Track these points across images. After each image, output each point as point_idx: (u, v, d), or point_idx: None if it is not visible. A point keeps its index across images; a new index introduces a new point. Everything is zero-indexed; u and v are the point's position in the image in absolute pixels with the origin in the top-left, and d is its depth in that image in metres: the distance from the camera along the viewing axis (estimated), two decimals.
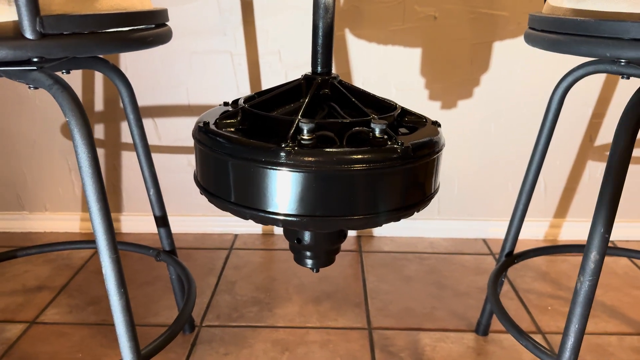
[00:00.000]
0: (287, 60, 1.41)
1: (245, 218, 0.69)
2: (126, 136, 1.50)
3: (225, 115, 0.74)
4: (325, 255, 0.83)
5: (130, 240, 1.43)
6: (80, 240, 1.16)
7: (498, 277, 0.96)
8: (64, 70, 0.82)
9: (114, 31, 0.64)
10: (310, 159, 0.63)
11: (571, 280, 1.36)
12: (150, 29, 0.72)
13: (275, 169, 0.64)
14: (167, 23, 0.79)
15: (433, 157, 0.71)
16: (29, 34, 0.56)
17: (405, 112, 0.80)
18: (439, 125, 0.79)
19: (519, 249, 1.09)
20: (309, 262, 0.83)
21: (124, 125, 1.49)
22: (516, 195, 1.51)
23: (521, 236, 1.54)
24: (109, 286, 0.70)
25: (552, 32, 0.70)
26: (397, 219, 0.70)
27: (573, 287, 1.15)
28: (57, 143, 1.50)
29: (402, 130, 0.79)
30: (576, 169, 1.53)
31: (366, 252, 1.48)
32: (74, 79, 1.42)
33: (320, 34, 0.75)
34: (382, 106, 0.80)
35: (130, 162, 1.52)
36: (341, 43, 1.40)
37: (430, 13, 1.37)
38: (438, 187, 0.78)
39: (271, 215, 0.66)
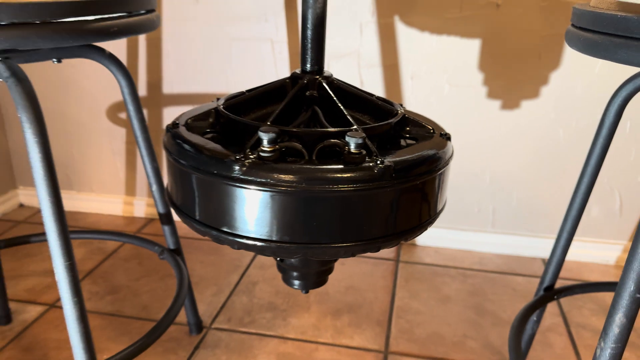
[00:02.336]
0: (330, 49, 1.31)
1: (202, 234, 0.61)
2: (168, 122, 1.48)
3: (198, 115, 0.67)
4: (314, 276, 0.74)
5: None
6: (103, 231, 1.15)
7: (528, 317, 0.81)
8: (54, 60, 0.78)
9: (67, 21, 0.58)
10: (264, 174, 0.54)
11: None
12: (122, 17, 0.65)
13: (228, 184, 0.55)
14: (149, 10, 0.72)
15: (425, 178, 0.59)
16: None
17: (407, 120, 0.67)
18: (449, 139, 0.65)
19: (582, 273, 0.93)
20: (296, 283, 0.74)
21: (166, 111, 1.47)
22: (586, 212, 1.31)
23: (588, 258, 1.35)
24: (62, 295, 0.65)
25: (589, 31, 0.55)
26: (375, 250, 0.59)
27: None
28: (104, 126, 1.51)
29: (404, 142, 0.67)
30: None
31: (404, 263, 1.35)
32: None
33: (308, 26, 0.64)
34: (382, 112, 0.68)
35: None
36: (389, 31, 1.27)
37: (492, 0, 1.20)
38: (438, 212, 0.65)
39: (225, 236, 0.58)
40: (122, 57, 1.41)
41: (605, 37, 0.52)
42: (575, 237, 1.35)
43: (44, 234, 1.14)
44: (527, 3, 1.19)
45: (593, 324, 1.13)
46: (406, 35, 1.26)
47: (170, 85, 1.43)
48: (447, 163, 0.63)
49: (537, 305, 0.85)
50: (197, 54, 1.38)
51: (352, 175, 0.54)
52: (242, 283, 1.26)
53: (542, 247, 1.38)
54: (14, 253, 1.34)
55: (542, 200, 1.35)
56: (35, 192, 1.61)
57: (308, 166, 0.54)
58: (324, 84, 0.65)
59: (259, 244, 0.57)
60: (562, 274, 1.31)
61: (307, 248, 0.56)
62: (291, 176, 0.53)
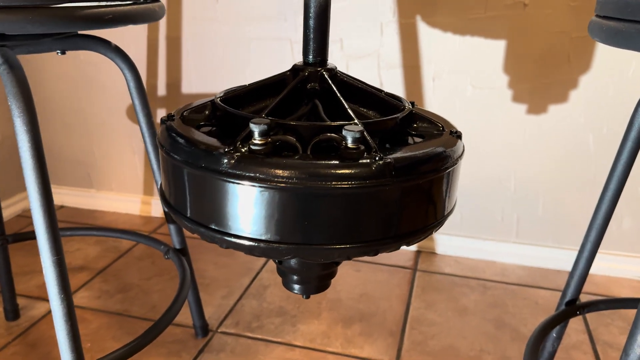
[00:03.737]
0: (349, 50, 1.27)
1: (191, 232, 0.58)
2: None
3: (195, 108, 0.64)
4: (316, 280, 0.70)
5: None
6: (112, 229, 1.15)
7: (546, 333, 0.76)
8: (58, 51, 0.77)
9: (58, 7, 0.56)
10: (254, 168, 0.50)
11: None
12: (121, 6, 0.63)
13: (216, 178, 0.52)
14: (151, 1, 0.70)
15: (429, 178, 0.55)
16: None
17: (415, 117, 0.63)
18: (459, 137, 0.61)
19: (611, 289, 0.87)
20: (296, 287, 0.70)
21: None
22: (618, 223, 1.24)
23: (618, 273, 1.27)
24: (50, 291, 0.63)
25: (612, 19, 0.50)
26: (373, 253, 0.55)
27: None
28: (124, 124, 1.51)
29: (411, 140, 0.63)
30: None
31: (422, 272, 1.30)
32: (139, 62, 1.41)
33: (311, 14, 0.61)
34: (389, 108, 0.64)
35: None
36: (411, 31, 1.23)
37: (519, 0, 1.15)
38: (445, 215, 0.60)
39: (214, 234, 0.55)
40: (142, 56, 1.41)
41: (630, 24, 0.47)
42: (604, 250, 1.28)
43: (63, 229, 1.14)
44: (556, 3, 1.14)
45: (621, 342, 1.05)
46: (428, 35, 1.22)
47: (189, 84, 1.42)
48: (455, 162, 0.58)
49: (558, 321, 0.79)
50: (216, 54, 1.37)
51: (348, 171, 0.51)
52: (253, 286, 1.23)
53: (568, 260, 1.30)
54: (29, 249, 1.34)
55: (570, 209, 1.28)
56: (57, 190, 1.62)
57: (301, 161, 0.51)
58: (326, 77, 0.62)
59: (247, 243, 0.53)
60: (589, 288, 1.24)
61: (299, 249, 0.53)
62: (282, 171, 0.50)
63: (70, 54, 1.45)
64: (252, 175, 0.51)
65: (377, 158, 0.52)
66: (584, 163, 1.24)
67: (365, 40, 1.26)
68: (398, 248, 0.57)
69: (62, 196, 1.63)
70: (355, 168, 0.51)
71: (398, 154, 0.53)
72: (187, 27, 1.37)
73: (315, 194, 0.51)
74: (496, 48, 1.20)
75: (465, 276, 1.29)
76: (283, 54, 1.32)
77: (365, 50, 1.27)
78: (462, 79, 1.24)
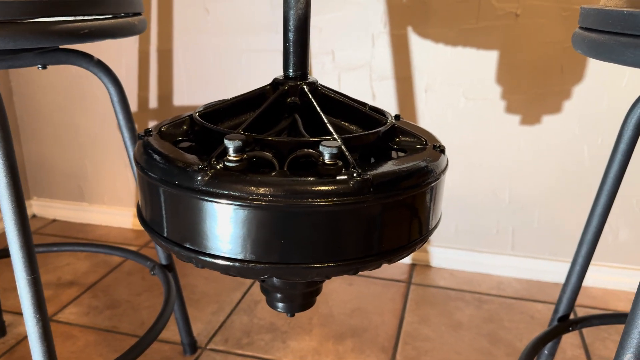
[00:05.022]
0: (341, 62, 1.26)
1: (166, 251, 0.57)
2: None
3: (173, 123, 0.63)
4: (300, 298, 0.68)
5: None
6: (99, 244, 1.13)
7: (537, 350, 0.74)
8: (39, 65, 0.76)
9: (31, 22, 0.55)
10: (227, 186, 0.49)
11: None
12: (100, 20, 0.62)
13: (189, 196, 0.51)
14: (135, 13, 0.69)
15: (410, 193, 0.53)
16: None
17: (398, 130, 0.62)
18: (442, 151, 0.60)
19: (608, 302, 0.85)
20: (280, 305, 0.68)
21: None
22: (614, 235, 1.22)
23: (615, 286, 1.25)
24: (24, 311, 0.62)
25: (594, 31, 0.49)
26: (353, 272, 0.54)
27: None
28: (116, 137, 1.50)
29: (395, 154, 0.62)
30: None
31: (416, 285, 1.28)
32: (130, 75, 1.41)
33: (290, 27, 0.60)
34: (371, 121, 0.63)
35: None
36: (402, 43, 1.22)
37: (510, 10, 1.14)
38: (430, 230, 0.59)
39: (188, 253, 0.53)
40: (134, 68, 1.41)
41: (611, 36, 0.45)
42: (601, 262, 1.26)
43: (48, 244, 1.13)
44: (548, 13, 1.13)
45: None
46: (420, 46, 1.21)
47: (181, 96, 1.41)
48: (438, 177, 0.57)
49: (550, 337, 0.77)
50: (208, 66, 1.36)
51: (325, 188, 0.49)
52: (244, 301, 1.21)
53: (565, 272, 1.28)
54: None
55: (565, 221, 1.26)
56: (49, 203, 1.61)
57: (275, 178, 0.49)
58: (307, 91, 0.61)
59: (222, 262, 0.52)
60: (586, 301, 1.22)
61: (275, 268, 0.51)
62: (256, 188, 0.48)
63: (61, 66, 1.44)
64: (226, 192, 0.49)
65: (355, 174, 0.50)
66: (579, 174, 1.22)
67: (356, 52, 1.25)
68: (379, 266, 0.55)
69: (54, 210, 1.61)
70: (332, 185, 0.49)
71: (377, 170, 0.52)
72: (178, 39, 1.36)
73: (291, 212, 0.49)
74: (489, 59, 1.19)
75: (461, 289, 1.26)
76: (274, 65, 1.31)
77: (357, 62, 1.25)
78: (454, 90, 1.22)
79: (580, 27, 0.54)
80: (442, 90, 1.23)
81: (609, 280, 1.27)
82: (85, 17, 0.61)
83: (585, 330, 1.10)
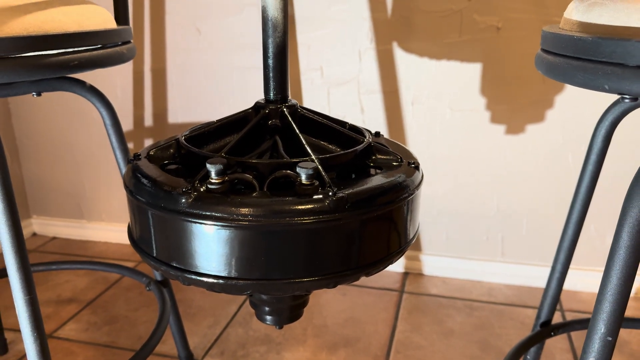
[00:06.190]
0: (330, 77, 1.30)
1: (155, 270, 0.59)
2: None
3: (161, 146, 0.66)
4: (287, 311, 0.71)
5: None
6: (95, 262, 1.16)
7: (519, 356, 0.76)
8: (33, 93, 0.79)
9: (21, 56, 0.59)
10: (210, 207, 0.52)
11: None
12: (86, 51, 0.66)
13: (175, 217, 0.54)
14: (124, 42, 0.72)
15: (385, 209, 0.56)
16: None
17: (374, 148, 0.65)
18: (417, 168, 0.63)
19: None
20: (268, 318, 0.71)
21: None
22: (601, 240, 1.25)
23: None
24: (23, 330, 0.65)
25: (551, 53, 0.52)
26: (332, 285, 0.56)
27: None
28: (112, 157, 1.53)
29: (373, 172, 0.65)
30: None
31: (408, 294, 1.30)
32: (126, 94, 1.44)
33: (269, 54, 0.63)
34: (350, 141, 0.66)
35: None
36: (388, 58, 1.25)
37: (492, 23, 1.17)
38: (407, 242, 0.62)
39: (175, 272, 0.56)
40: (129, 88, 1.44)
41: (564, 59, 0.49)
42: (589, 267, 1.28)
43: (48, 263, 1.16)
44: (528, 26, 1.16)
45: None
46: (405, 61, 1.24)
47: (175, 115, 1.45)
48: (412, 192, 0.60)
49: (532, 343, 0.80)
50: (200, 84, 1.39)
51: (302, 207, 0.52)
52: (240, 314, 1.23)
53: None
54: None
55: (553, 228, 1.29)
56: (49, 222, 1.64)
57: (255, 198, 0.52)
58: (286, 113, 0.64)
59: (207, 280, 0.55)
60: (575, 305, 1.24)
61: (257, 284, 0.54)
62: (237, 209, 0.51)
63: None
64: (209, 213, 0.52)
65: (330, 193, 0.53)
66: (564, 181, 1.25)
67: (344, 68, 1.28)
68: (358, 279, 0.58)
69: (54, 228, 1.64)
70: (308, 204, 0.52)
71: (353, 189, 0.55)
72: (171, 58, 1.39)
73: (270, 231, 0.52)
74: (472, 71, 1.22)
75: (452, 297, 1.29)
76: None
77: (345, 77, 1.29)
78: (440, 103, 1.25)
79: (542, 49, 0.57)
80: (429, 103, 1.26)
81: (597, 284, 1.29)
82: (75, 49, 0.64)
83: (573, 335, 1.13)
